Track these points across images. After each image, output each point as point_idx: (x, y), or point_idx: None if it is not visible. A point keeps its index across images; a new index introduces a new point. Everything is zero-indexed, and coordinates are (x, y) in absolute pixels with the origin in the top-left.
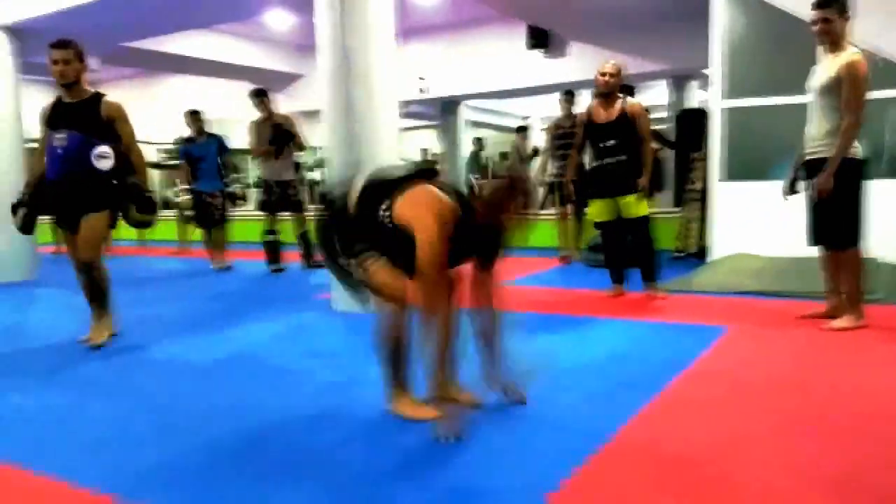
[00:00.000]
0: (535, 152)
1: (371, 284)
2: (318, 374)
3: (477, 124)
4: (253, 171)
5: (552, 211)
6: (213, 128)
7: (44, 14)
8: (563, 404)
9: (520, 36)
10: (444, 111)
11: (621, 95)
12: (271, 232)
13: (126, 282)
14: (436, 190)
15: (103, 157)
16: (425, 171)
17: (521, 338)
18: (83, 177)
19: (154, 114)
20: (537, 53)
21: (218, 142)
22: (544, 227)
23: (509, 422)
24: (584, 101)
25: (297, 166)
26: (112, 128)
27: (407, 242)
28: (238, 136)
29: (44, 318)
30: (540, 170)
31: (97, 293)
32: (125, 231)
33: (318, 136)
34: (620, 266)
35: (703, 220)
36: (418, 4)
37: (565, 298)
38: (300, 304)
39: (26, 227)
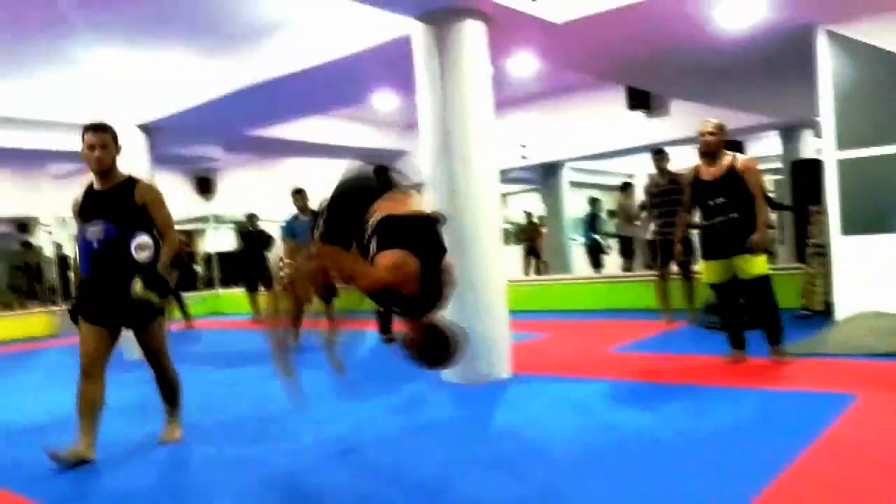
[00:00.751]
0: (643, 209)
1: None
2: (432, 449)
3: (578, 185)
4: None
5: (654, 272)
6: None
7: (173, 113)
8: (685, 480)
9: (619, 97)
10: (546, 174)
11: (729, 153)
12: None
13: (241, 355)
14: None
15: (143, 249)
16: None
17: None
18: (122, 273)
19: (274, 193)
20: (638, 114)
21: None
22: (646, 287)
23: (625, 498)
24: (685, 158)
25: None
26: (147, 212)
27: None
28: None
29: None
30: (643, 228)
31: (165, 389)
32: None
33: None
34: (740, 329)
35: (826, 275)
36: (515, 76)
37: (680, 365)
38: (410, 376)
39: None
